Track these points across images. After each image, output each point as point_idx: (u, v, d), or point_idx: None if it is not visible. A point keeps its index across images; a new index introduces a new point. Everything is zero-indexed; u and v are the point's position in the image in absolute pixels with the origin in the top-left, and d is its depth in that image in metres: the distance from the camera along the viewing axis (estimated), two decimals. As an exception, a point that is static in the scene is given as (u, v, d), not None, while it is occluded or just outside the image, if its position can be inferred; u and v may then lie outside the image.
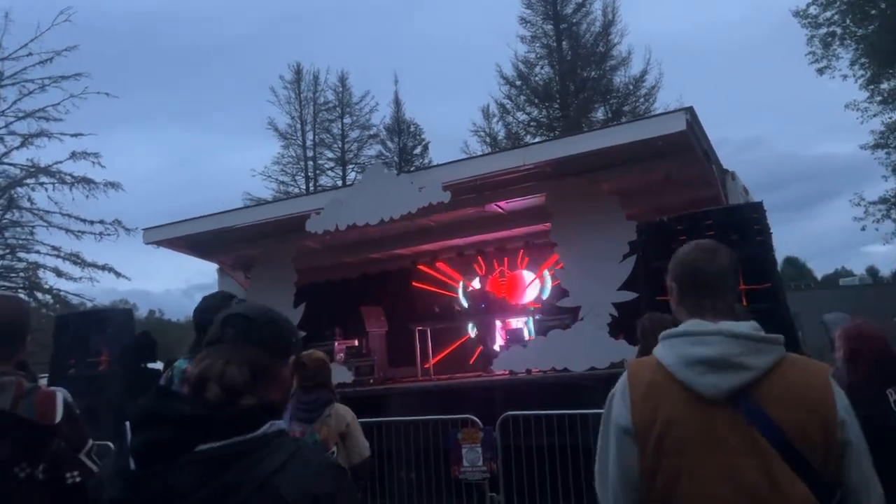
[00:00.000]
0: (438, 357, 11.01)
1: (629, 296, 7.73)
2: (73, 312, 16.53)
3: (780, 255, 8.25)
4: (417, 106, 68.67)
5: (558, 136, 21.90)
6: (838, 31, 21.87)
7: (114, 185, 22.36)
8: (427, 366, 10.44)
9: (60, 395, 2.06)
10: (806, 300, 19.65)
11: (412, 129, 31.75)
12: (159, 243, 10.62)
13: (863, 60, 21.55)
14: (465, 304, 11.52)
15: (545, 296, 10.74)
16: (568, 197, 8.65)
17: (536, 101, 27.57)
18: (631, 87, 26.62)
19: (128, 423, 1.30)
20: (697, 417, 1.52)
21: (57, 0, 25.78)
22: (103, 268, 22.17)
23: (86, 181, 22.03)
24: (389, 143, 31.64)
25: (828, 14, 21.81)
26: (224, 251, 11.19)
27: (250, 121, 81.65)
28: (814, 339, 7.25)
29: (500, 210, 9.94)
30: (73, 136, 22.09)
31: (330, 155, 32.24)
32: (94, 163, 22.05)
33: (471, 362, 10.88)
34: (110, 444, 5.19)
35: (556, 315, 8.93)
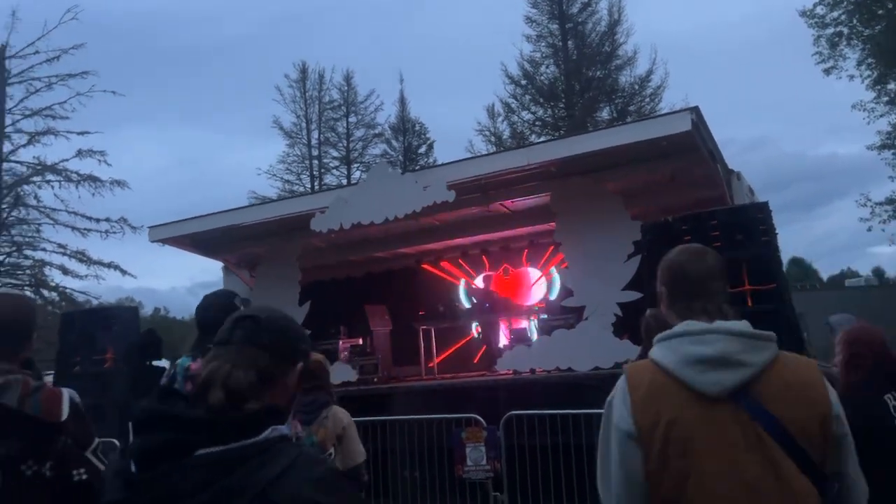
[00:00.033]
0: (442, 356, 11.03)
1: (634, 296, 7.73)
2: (79, 310, 16.59)
3: (785, 256, 8.24)
4: (422, 105, 68.77)
5: (563, 135, 21.86)
6: (845, 31, 21.79)
7: (120, 184, 22.50)
8: (431, 365, 10.45)
9: (66, 393, 2.06)
10: (811, 301, 19.54)
11: (417, 128, 31.73)
12: (165, 241, 10.66)
13: (870, 61, 21.46)
14: (466, 304, 11.53)
15: (552, 296, 10.73)
16: (573, 196, 8.65)
17: (541, 100, 27.52)
18: (636, 87, 26.56)
19: (131, 424, 1.30)
20: (701, 416, 1.53)
21: (62, -1, 25.90)
22: (109, 265, 22.31)
23: (92, 179, 22.16)
24: (394, 143, 31.64)
25: (835, 14, 21.74)
26: (229, 249, 11.22)
27: (255, 119, 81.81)
28: (819, 340, 7.23)
29: (504, 209, 9.94)
30: (79, 134, 22.25)
31: (335, 154, 32.28)
32: (100, 161, 22.21)
33: (475, 361, 10.88)
34: (115, 442, 5.21)
35: (561, 315, 8.94)
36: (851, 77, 22.08)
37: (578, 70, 26.80)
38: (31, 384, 1.98)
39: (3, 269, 22.06)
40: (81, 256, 22.15)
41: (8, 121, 22.12)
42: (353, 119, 32.00)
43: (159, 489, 1.20)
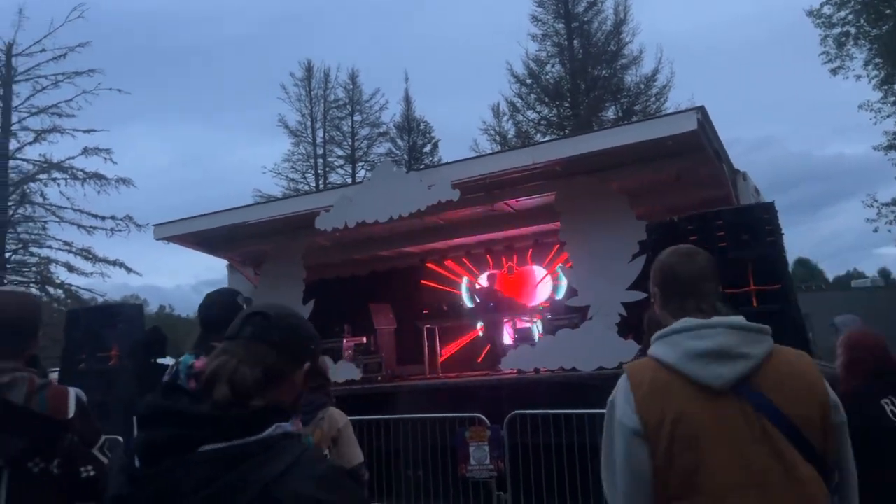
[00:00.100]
0: (446, 355, 11.02)
1: (638, 296, 7.71)
2: (84, 307, 16.67)
3: (791, 256, 8.23)
4: (427, 104, 68.69)
5: (568, 134, 21.84)
6: (852, 31, 21.71)
7: (125, 181, 22.57)
8: (435, 364, 10.45)
9: (73, 391, 2.07)
10: (817, 302, 19.48)
11: (422, 127, 31.69)
12: (170, 239, 10.68)
13: (877, 61, 21.39)
14: (470, 303, 11.52)
15: (559, 295, 10.71)
16: (578, 196, 8.64)
17: (547, 99, 27.48)
18: (642, 87, 26.48)
19: (135, 420, 1.31)
20: (706, 410, 1.54)
21: (69, -3, 25.96)
22: (114, 263, 22.38)
23: (97, 177, 22.23)
24: (399, 141, 31.61)
25: (842, 14, 21.66)
26: (234, 247, 11.25)
27: (261, 118, 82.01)
28: (824, 341, 7.20)
29: (509, 208, 9.93)
30: (85, 132, 22.31)
31: (340, 152, 32.28)
32: (105, 159, 22.29)
33: (479, 361, 10.88)
34: (120, 439, 5.22)
35: (565, 314, 8.92)
36: (858, 77, 22.05)
37: (584, 69, 26.74)
38: (36, 382, 1.99)
39: (9, 266, 22.14)
40: (87, 254, 22.22)
41: (14, 118, 22.21)
42: (358, 118, 32.04)
43: (163, 484, 1.20)
